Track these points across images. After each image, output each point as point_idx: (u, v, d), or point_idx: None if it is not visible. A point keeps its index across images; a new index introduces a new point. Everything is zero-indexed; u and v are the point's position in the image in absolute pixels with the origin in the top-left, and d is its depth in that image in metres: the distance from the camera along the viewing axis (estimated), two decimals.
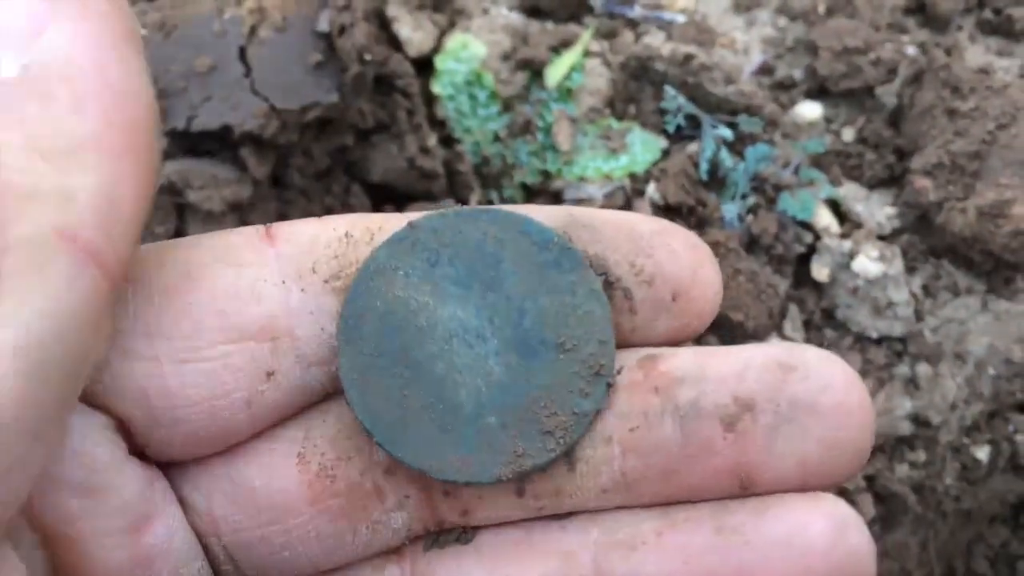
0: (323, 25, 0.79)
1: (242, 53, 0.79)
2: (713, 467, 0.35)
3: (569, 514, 0.38)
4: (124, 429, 0.35)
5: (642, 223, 0.38)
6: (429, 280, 0.37)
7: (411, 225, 0.37)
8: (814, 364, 0.35)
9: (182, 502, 0.37)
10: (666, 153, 0.97)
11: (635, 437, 0.36)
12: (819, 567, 0.34)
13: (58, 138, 0.28)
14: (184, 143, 0.81)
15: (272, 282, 0.36)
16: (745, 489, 0.35)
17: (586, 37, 1.01)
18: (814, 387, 0.34)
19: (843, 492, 0.97)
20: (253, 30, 0.78)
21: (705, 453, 0.35)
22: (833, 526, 0.34)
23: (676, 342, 0.38)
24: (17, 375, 0.26)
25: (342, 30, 0.79)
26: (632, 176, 0.96)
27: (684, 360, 0.37)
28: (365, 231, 0.38)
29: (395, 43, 1.00)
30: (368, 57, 0.79)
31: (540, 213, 0.38)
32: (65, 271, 0.27)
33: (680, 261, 0.37)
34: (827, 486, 0.35)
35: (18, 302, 0.26)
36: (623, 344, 0.38)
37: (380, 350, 0.37)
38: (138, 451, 0.36)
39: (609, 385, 0.37)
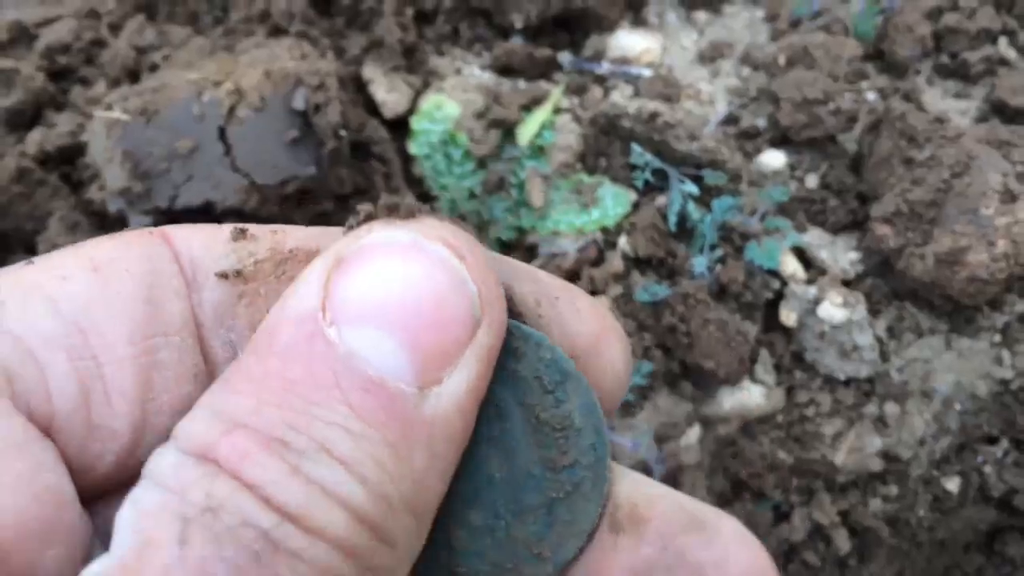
0: (299, 103, 0.82)
1: (222, 133, 0.82)
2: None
3: None
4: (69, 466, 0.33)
5: (552, 280, 0.38)
6: None
7: None
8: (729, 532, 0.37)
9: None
10: (636, 206, 1.00)
11: None
12: None
13: (425, 499, 0.30)
14: (167, 221, 0.84)
15: (182, 280, 0.36)
16: None
17: (556, 94, 1.04)
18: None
19: (818, 528, 1.01)
20: (232, 111, 0.82)
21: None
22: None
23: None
24: None
25: (317, 108, 0.83)
26: (604, 229, 0.99)
27: (632, 487, 0.38)
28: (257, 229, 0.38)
29: (371, 105, 1.03)
30: (343, 133, 0.82)
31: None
32: None
33: (583, 320, 0.37)
34: None
35: None
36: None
37: None
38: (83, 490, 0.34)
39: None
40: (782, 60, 1.05)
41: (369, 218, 0.33)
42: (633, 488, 0.38)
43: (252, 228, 0.37)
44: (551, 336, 0.36)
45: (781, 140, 1.04)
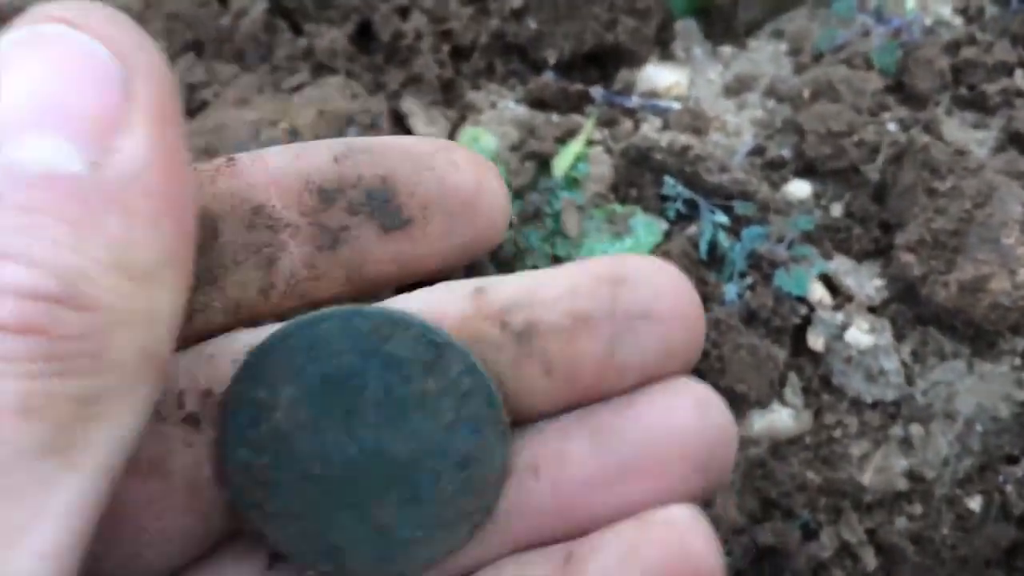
0: None
1: None
2: (556, 384, 0.36)
3: None
4: None
5: (420, 143, 0.37)
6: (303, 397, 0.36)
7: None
8: (643, 273, 0.35)
9: None
10: (667, 235, 1.04)
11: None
12: (692, 444, 0.34)
13: (141, 257, 0.28)
14: None
15: None
16: (588, 400, 0.36)
17: (589, 127, 1.08)
18: (646, 296, 0.35)
19: (845, 546, 1.04)
20: None
21: (546, 370, 0.36)
22: (696, 404, 0.35)
23: (472, 254, 0.38)
24: (96, 495, 0.28)
25: None
26: None
27: (512, 287, 0.37)
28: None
29: None
30: None
31: (316, 149, 0.37)
32: (149, 393, 0.29)
33: (463, 173, 0.37)
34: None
35: (110, 427, 0.28)
36: (419, 259, 0.37)
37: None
38: None
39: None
40: (806, 93, 1.09)
41: None
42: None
43: None
44: (438, 197, 0.36)
45: (806, 170, 1.08)
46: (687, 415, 0.35)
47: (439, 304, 0.36)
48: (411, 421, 0.35)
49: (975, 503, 1.06)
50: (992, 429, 1.03)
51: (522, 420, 0.37)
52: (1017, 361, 1.00)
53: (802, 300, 1.01)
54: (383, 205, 0.36)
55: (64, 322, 0.26)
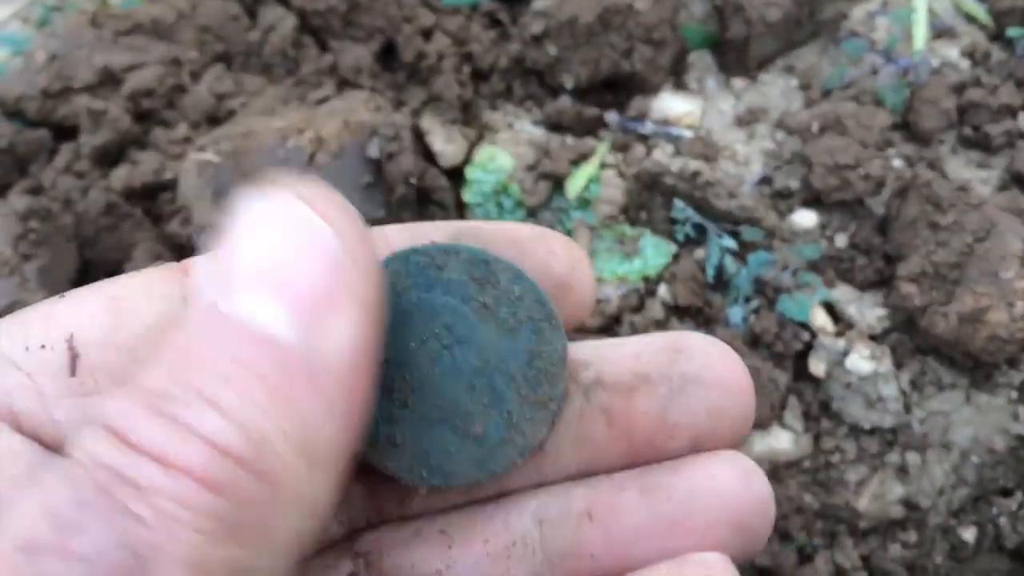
0: (373, 152, 0.90)
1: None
2: (615, 435, 0.40)
3: (499, 495, 0.41)
4: None
5: (522, 230, 0.41)
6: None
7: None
8: (698, 346, 0.40)
9: None
10: (676, 257, 1.06)
11: None
12: (732, 510, 0.39)
13: (322, 443, 0.30)
14: None
15: None
16: (643, 455, 0.40)
17: (602, 151, 1.11)
18: (699, 365, 0.40)
19: (840, 571, 1.05)
20: (312, 156, 0.89)
21: (607, 422, 0.40)
22: (740, 475, 0.39)
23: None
24: None
25: (390, 157, 0.90)
26: (645, 278, 1.06)
27: (584, 349, 0.42)
28: None
29: (427, 154, 1.11)
30: (413, 180, 0.89)
31: (432, 228, 0.41)
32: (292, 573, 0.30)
33: (560, 260, 0.41)
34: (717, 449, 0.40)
35: None
36: None
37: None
38: None
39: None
40: (815, 127, 1.12)
41: None
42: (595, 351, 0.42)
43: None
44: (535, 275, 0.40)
45: (813, 201, 1.11)
46: (733, 482, 0.39)
47: None
48: (478, 333, 0.39)
49: (969, 534, 1.07)
50: (987, 461, 1.05)
51: (584, 472, 0.41)
52: (1013, 394, 1.03)
53: (805, 326, 1.04)
54: None
55: (243, 488, 0.28)
